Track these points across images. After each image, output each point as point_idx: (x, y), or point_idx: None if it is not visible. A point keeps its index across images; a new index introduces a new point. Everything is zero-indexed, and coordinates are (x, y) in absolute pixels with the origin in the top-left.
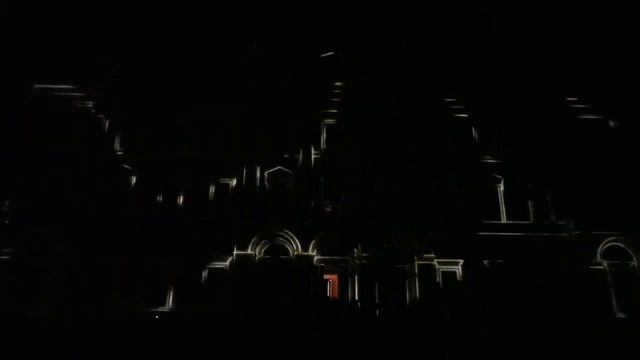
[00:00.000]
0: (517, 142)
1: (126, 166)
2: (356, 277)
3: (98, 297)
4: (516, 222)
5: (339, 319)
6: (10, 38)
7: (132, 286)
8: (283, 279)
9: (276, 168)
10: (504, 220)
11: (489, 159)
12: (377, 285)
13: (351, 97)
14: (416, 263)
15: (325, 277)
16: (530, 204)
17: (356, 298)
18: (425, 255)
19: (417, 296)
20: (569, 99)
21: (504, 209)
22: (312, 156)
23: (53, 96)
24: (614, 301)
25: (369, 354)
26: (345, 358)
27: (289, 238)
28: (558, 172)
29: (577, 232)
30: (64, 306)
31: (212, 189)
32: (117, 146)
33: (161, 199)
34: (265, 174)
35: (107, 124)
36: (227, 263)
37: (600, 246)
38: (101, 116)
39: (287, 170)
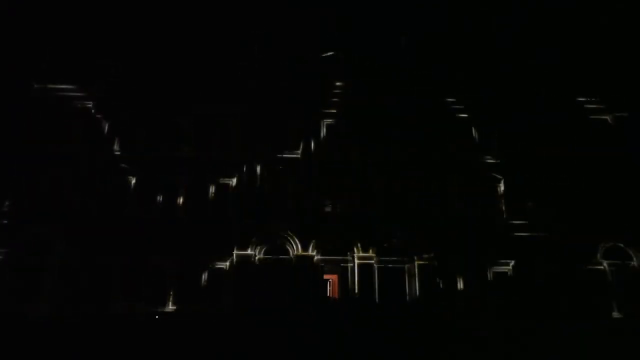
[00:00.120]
0: (517, 142)
1: (126, 166)
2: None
3: (98, 297)
4: (516, 222)
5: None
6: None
7: (132, 286)
8: (283, 279)
9: (276, 168)
10: (503, 220)
11: (489, 159)
12: (377, 285)
13: (351, 97)
14: (416, 263)
15: (325, 277)
16: (530, 204)
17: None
18: (425, 256)
19: (417, 296)
20: (569, 99)
21: (504, 209)
22: (312, 156)
23: (53, 96)
24: (614, 301)
25: (369, 354)
26: (345, 358)
27: (289, 238)
28: (558, 172)
29: (577, 232)
30: (64, 306)
31: (212, 189)
32: (117, 146)
33: (161, 199)
34: (265, 174)
35: (107, 124)
36: (227, 263)
37: (600, 246)
38: (101, 116)
39: (287, 170)
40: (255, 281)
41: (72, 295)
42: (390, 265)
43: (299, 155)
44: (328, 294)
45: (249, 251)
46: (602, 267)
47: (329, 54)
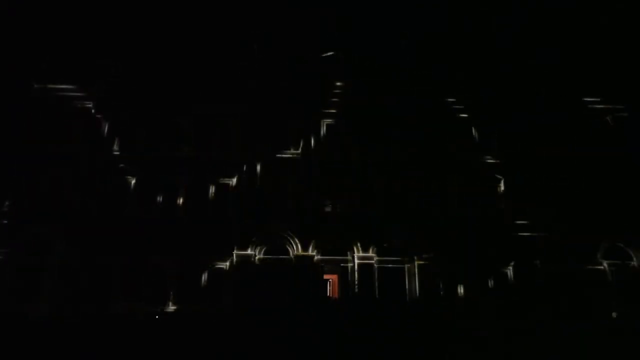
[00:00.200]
0: (517, 142)
1: (126, 166)
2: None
3: (98, 297)
4: (516, 222)
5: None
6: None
7: (132, 286)
8: (283, 279)
9: (276, 168)
10: (503, 220)
11: (489, 159)
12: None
13: (351, 97)
14: (416, 263)
15: (325, 277)
16: (530, 204)
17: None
18: (425, 255)
19: (417, 296)
20: (569, 99)
21: (504, 209)
22: (312, 156)
23: (53, 96)
24: (614, 301)
25: (369, 354)
26: (345, 358)
27: (289, 238)
28: (558, 172)
29: (577, 232)
30: (64, 306)
31: (212, 189)
32: (117, 146)
33: (161, 199)
34: (265, 174)
35: (107, 124)
36: (227, 263)
37: (600, 246)
38: (101, 116)
39: (287, 170)
40: (255, 281)
41: (72, 295)
42: (390, 265)
43: (299, 156)
44: (328, 294)
45: (249, 251)
46: (602, 267)
47: (329, 54)
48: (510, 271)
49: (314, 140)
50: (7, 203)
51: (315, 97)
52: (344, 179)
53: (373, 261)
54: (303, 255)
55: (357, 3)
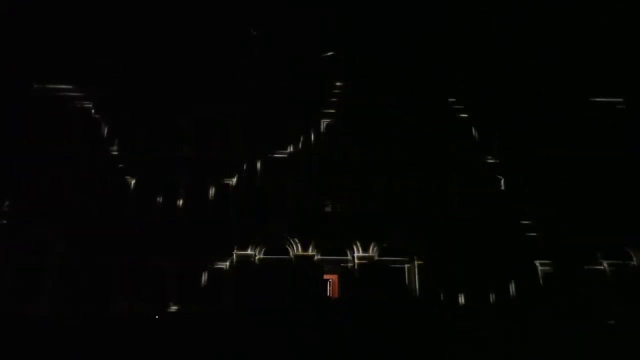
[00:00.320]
0: (517, 142)
1: (126, 166)
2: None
3: (98, 297)
4: (516, 222)
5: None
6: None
7: (132, 286)
8: (283, 279)
9: (276, 168)
10: (503, 220)
11: (489, 159)
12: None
13: (351, 97)
14: (416, 263)
15: (325, 277)
16: (530, 204)
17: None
18: (424, 255)
19: (417, 296)
20: (569, 99)
21: (504, 209)
22: (312, 156)
23: (53, 96)
24: (613, 301)
25: (369, 354)
26: (345, 358)
27: (289, 238)
28: (558, 172)
29: (577, 232)
30: (64, 306)
31: (212, 189)
32: (117, 146)
33: (161, 199)
34: (265, 173)
35: (106, 124)
36: (227, 263)
37: (600, 246)
38: (100, 116)
39: (287, 170)
40: (255, 281)
41: (72, 295)
42: (390, 265)
43: (299, 156)
44: (328, 294)
45: (249, 251)
46: (602, 267)
47: (329, 54)
48: (510, 271)
49: (314, 140)
50: (7, 203)
51: (315, 97)
52: (343, 179)
53: (373, 261)
54: (303, 255)
55: (357, 3)
